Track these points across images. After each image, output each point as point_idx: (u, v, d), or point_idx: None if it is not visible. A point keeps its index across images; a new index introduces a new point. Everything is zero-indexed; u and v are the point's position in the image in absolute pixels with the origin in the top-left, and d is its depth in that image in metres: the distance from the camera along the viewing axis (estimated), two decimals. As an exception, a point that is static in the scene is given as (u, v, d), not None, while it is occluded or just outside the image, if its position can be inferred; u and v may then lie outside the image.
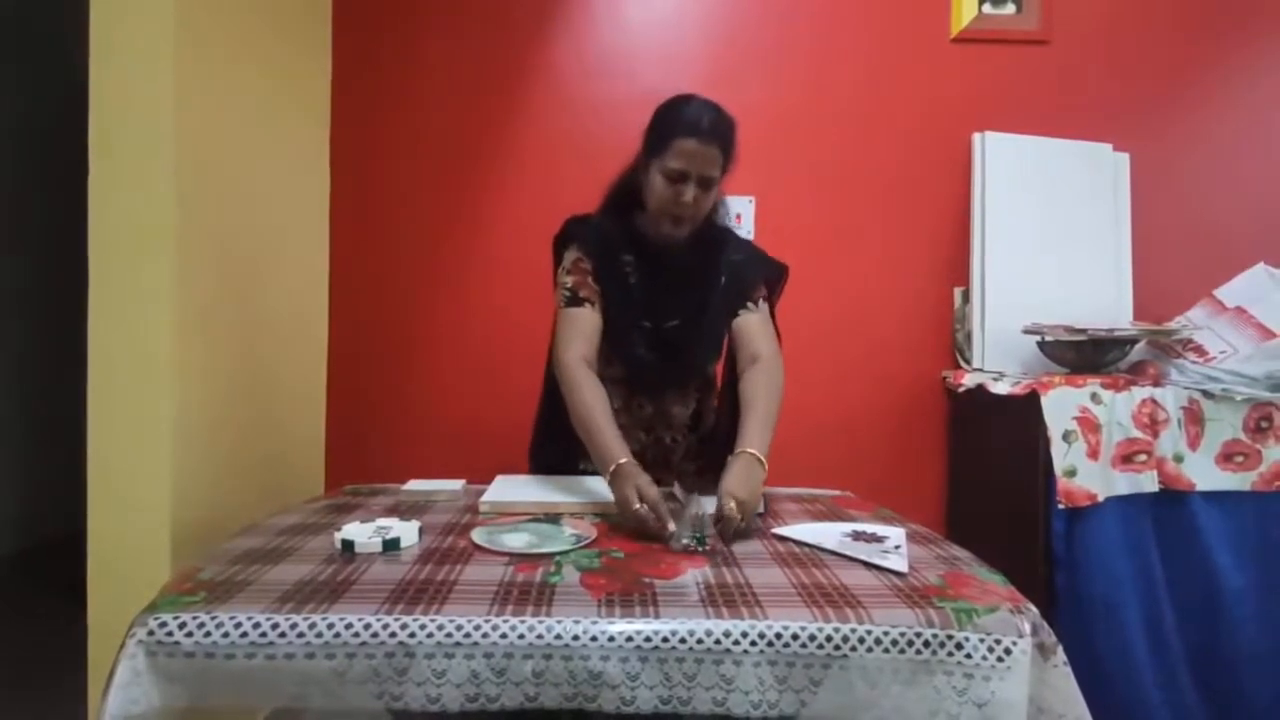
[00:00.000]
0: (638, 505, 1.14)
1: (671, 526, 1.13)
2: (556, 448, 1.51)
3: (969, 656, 0.87)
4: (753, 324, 1.44)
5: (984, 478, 2.02)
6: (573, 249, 1.46)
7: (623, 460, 1.21)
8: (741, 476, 1.19)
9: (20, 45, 3.16)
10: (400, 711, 0.86)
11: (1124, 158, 2.16)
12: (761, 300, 1.48)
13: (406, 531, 1.10)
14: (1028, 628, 0.89)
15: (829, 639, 0.86)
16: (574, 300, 1.40)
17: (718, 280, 1.44)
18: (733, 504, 1.13)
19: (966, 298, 2.14)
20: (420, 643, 0.84)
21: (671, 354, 1.40)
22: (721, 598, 0.92)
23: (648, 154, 1.37)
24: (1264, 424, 1.71)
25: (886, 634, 0.87)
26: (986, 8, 2.18)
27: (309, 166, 2.07)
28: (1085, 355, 1.84)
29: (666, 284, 1.41)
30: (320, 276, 2.14)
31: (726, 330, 1.46)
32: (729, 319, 1.45)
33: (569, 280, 1.42)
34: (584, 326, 1.37)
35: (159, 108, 1.39)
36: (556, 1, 2.18)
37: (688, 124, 1.30)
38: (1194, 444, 1.71)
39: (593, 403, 1.29)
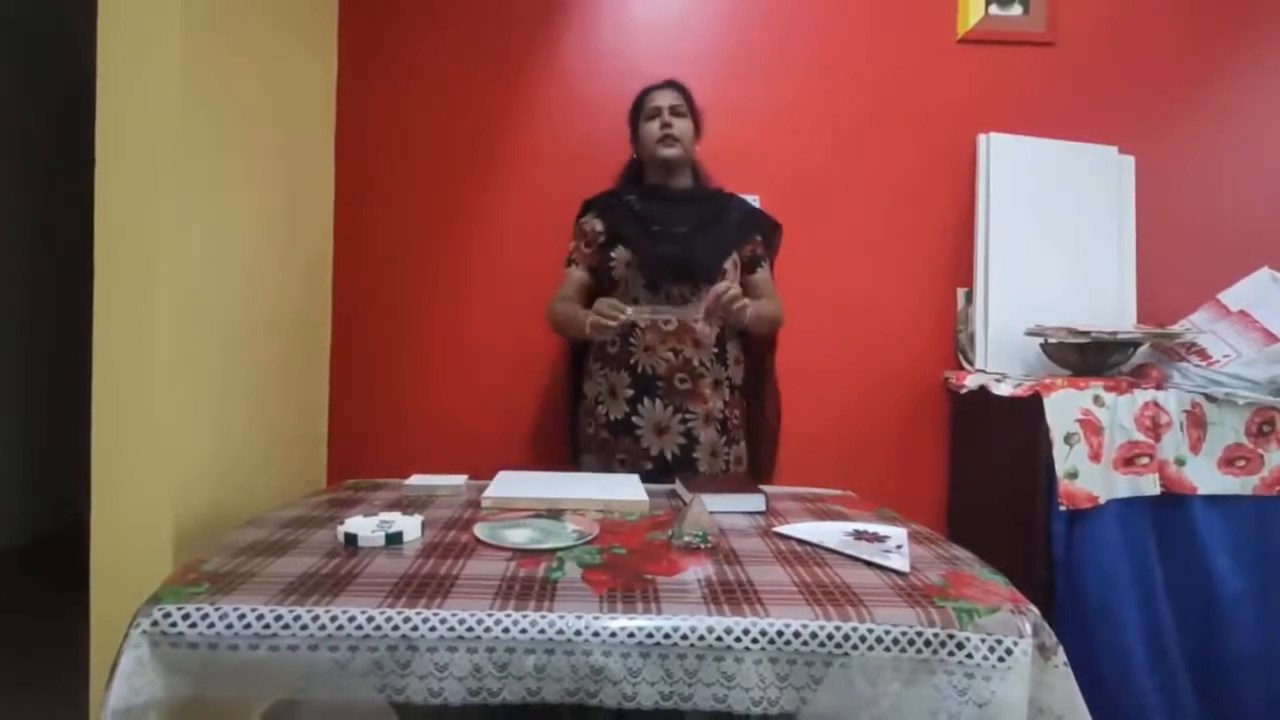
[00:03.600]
0: (594, 316, 1.48)
1: (630, 312, 1.47)
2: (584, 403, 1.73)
3: (970, 656, 0.88)
4: (763, 280, 1.76)
5: (985, 479, 2.02)
6: (580, 220, 1.77)
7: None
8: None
9: (23, 46, 3.16)
10: (402, 705, 0.86)
11: (1129, 160, 2.15)
12: (767, 261, 1.79)
13: (409, 526, 1.11)
14: (1028, 628, 0.90)
15: (830, 637, 0.86)
16: (567, 263, 1.75)
17: (726, 211, 1.73)
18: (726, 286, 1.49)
19: (970, 299, 2.14)
20: (422, 636, 0.84)
21: (683, 250, 1.62)
22: (723, 595, 0.92)
23: (634, 128, 1.76)
24: (1266, 428, 1.71)
25: (887, 633, 0.87)
26: (993, 9, 2.18)
27: (314, 163, 2.07)
28: (1088, 358, 1.84)
29: (671, 206, 1.69)
30: (324, 272, 2.15)
31: (737, 251, 1.70)
32: (743, 244, 1.72)
33: (570, 246, 1.76)
34: (569, 284, 1.72)
35: (165, 105, 1.39)
36: (560, 1, 2.18)
37: (649, 88, 1.75)
38: (1196, 447, 1.71)
39: (569, 305, 1.65)
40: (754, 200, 2.16)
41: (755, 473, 1.76)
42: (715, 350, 1.64)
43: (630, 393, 1.61)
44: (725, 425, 1.65)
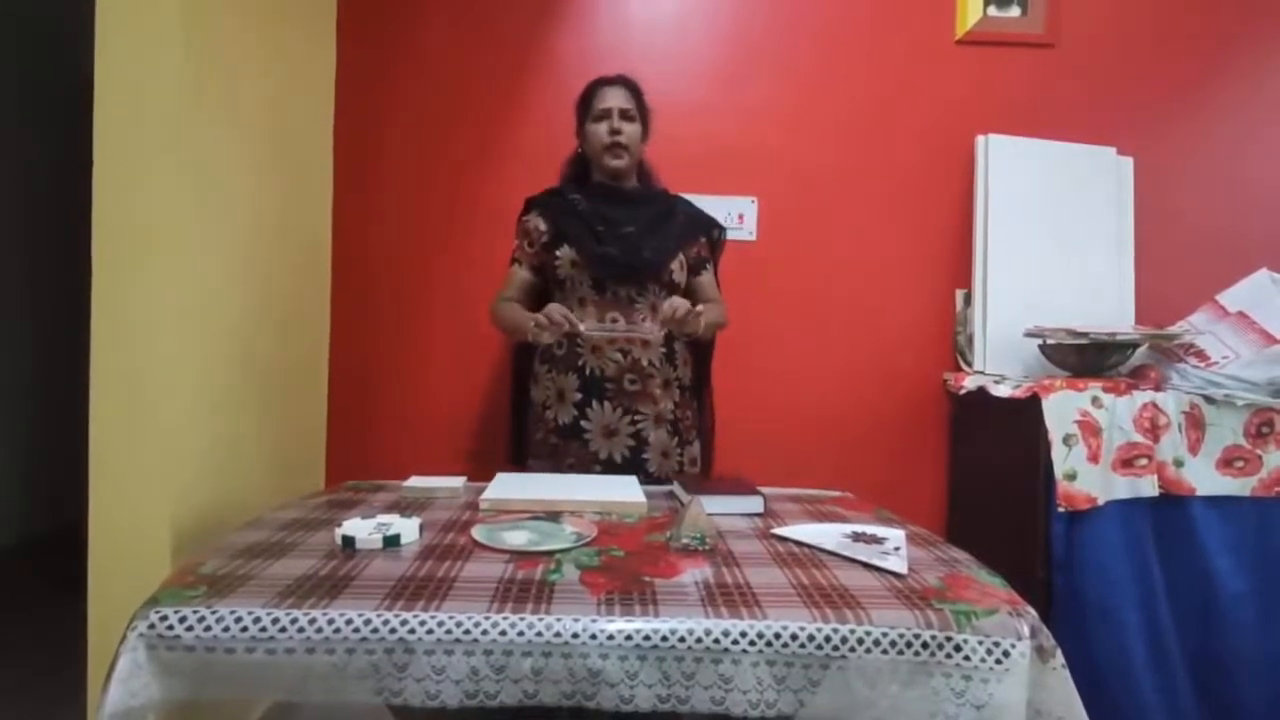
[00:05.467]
0: (543, 319, 1.44)
1: (583, 327, 1.47)
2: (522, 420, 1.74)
3: (967, 658, 0.88)
4: (708, 282, 1.74)
5: (984, 480, 2.02)
6: (523, 218, 1.73)
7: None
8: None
9: (23, 41, 3.16)
10: (399, 707, 0.86)
11: (1128, 161, 2.15)
12: (712, 263, 1.77)
13: (407, 528, 1.11)
14: (1026, 630, 0.90)
15: (828, 639, 0.86)
16: (511, 261, 1.72)
17: (672, 211, 1.70)
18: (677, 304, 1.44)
19: (969, 300, 2.14)
20: (420, 639, 0.84)
21: (629, 250, 1.59)
22: (721, 597, 0.92)
23: (581, 122, 1.70)
24: (1265, 429, 1.71)
25: (885, 635, 0.87)
26: (991, 10, 2.18)
27: (312, 161, 2.07)
28: (1087, 359, 1.84)
29: (617, 205, 1.65)
30: (323, 272, 2.14)
31: (684, 252, 1.67)
32: (689, 245, 1.69)
33: (514, 244, 1.73)
34: (512, 281, 1.70)
35: (165, 102, 1.39)
36: (561, -1, 2.18)
37: (598, 81, 1.68)
38: (1194, 449, 1.71)
39: (513, 307, 1.63)
40: (753, 202, 2.16)
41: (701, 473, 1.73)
42: (664, 350, 1.62)
43: (579, 396, 1.59)
44: (676, 426, 1.64)
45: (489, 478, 1.46)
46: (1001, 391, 1.83)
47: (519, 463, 1.73)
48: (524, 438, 1.72)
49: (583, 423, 1.59)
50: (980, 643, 0.88)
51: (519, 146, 2.17)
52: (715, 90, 2.17)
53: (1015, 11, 2.18)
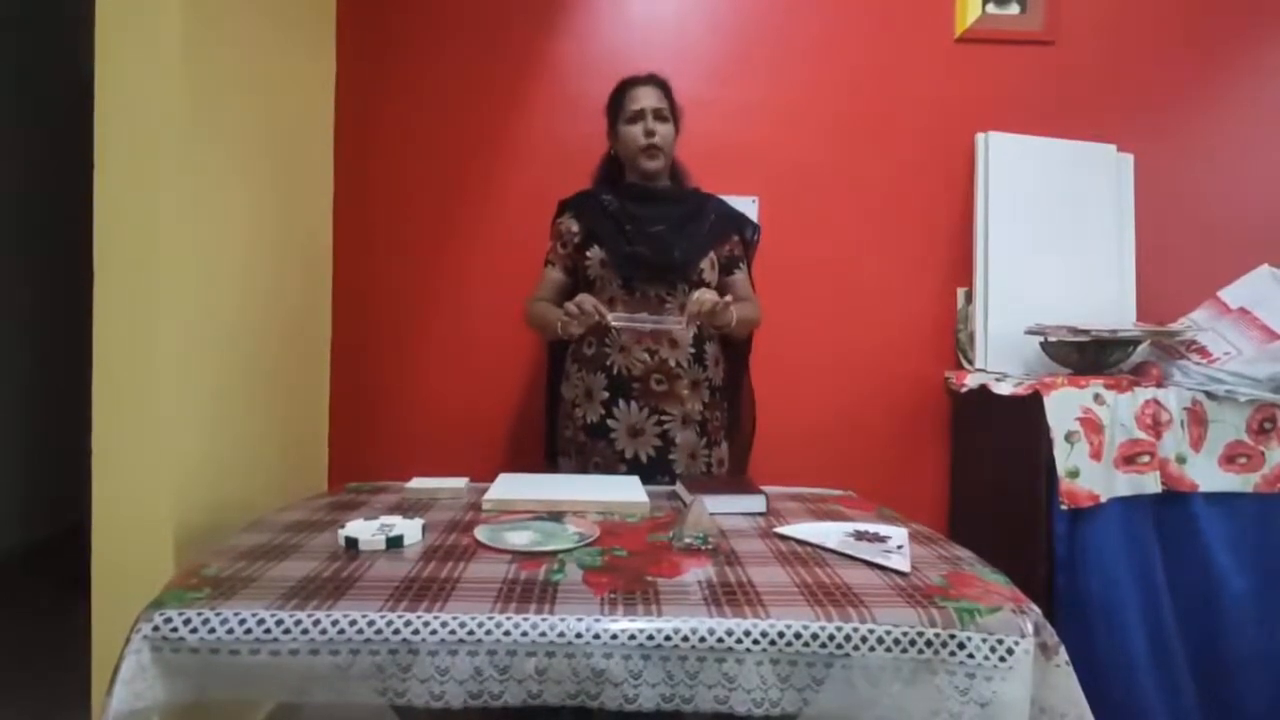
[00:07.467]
0: (573, 308, 1.45)
1: (611, 318, 1.47)
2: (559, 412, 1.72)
3: (971, 656, 0.88)
4: (742, 281, 1.73)
5: (986, 478, 2.02)
6: (556, 220, 1.74)
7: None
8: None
9: (23, 46, 3.16)
10: (403, 708, 0.86)
11: (1128, 158, 2.15)
12: (745, 262, 1.75)
13: (410, 529, 1.11)
14: (1030, 628, 0.90)
15: (831, 638, 0.86)
16: (546, 263, 1.73)
17: (703, 210, 1.70)
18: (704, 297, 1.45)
19: (969, 298, 2.14)
20: (423, 639, 0.84)
21: (659, 249, 1.60)
22: (724, 596, 0.92)
23: (613, 124, 1.70)
24: (1267, 425, 1.71)
25: (889, 633, 0.87)
26: (990, 8, 2.17)
27: (313, 163, 2.07)
28: (1088, 356, 1.84)
29: (648, 205, 1.65)
30: (324, 273, 2.14)
31: (715, 251, 1.67)
32: (721, 244, 1.69)
33: (548, 246, 1.74)
34: (545, 283, 1.71)
35: (165, 101, 1.38)
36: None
37: (629, 81, 1.68)
38: (1197, 445, 1.71)
39: (544, 306, 1.64)
40: (753, 201, 2.16)
41: (731, 474, 1.74)
42: (693, 351, 1.61)
43: (606, 395, 1.59)
44: (705, 427, 1.63)
45: (491, 478, 1.46)
46: (1003, 389, 1.83)
47: (552, 461, 1.75)
48: (556, 436, 1.72)
49: (609, 421, 1.59)
50: (984, 640, 0.88)
51: (519, 151, 2.17)
52: (715, 89, 2.17)
53: (1014, 9, 2.18)
